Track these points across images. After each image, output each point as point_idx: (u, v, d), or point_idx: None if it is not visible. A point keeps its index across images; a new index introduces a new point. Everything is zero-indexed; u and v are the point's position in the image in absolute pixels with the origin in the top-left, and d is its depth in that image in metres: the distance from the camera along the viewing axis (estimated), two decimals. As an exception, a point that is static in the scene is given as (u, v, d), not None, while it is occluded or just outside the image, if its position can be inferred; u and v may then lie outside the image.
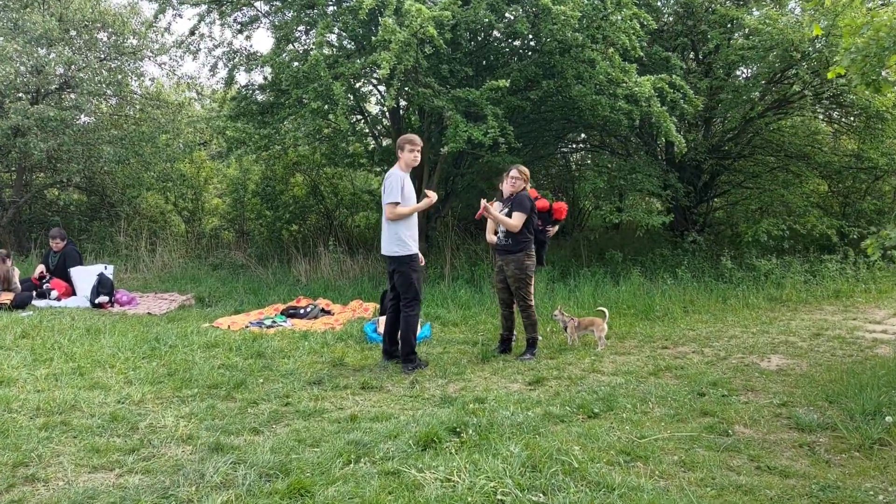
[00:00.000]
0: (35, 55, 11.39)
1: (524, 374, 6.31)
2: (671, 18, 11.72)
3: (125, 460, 4.25)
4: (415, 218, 6.50)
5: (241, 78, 10.47)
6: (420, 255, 6.68)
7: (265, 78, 11.52)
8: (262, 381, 5.95)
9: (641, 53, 9.46)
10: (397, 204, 6.33)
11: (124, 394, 5.46)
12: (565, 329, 7.41)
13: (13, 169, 13.28)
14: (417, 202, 6.53)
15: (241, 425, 4.86)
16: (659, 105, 9.24)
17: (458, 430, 4.72)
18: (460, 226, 11.53)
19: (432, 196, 6.55)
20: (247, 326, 8.01)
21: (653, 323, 8.47)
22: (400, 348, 6.47)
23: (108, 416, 4.94)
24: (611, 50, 9.46)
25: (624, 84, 9.19)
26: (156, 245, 12.32)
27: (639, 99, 9.14)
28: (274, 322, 8.16)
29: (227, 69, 10.85)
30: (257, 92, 11.32)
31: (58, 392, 5.46)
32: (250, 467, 4.10)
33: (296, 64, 9.84)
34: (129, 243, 12.49)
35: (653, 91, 9.13)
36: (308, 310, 8.63)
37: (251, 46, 27.61)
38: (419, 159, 6.54)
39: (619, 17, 9.15)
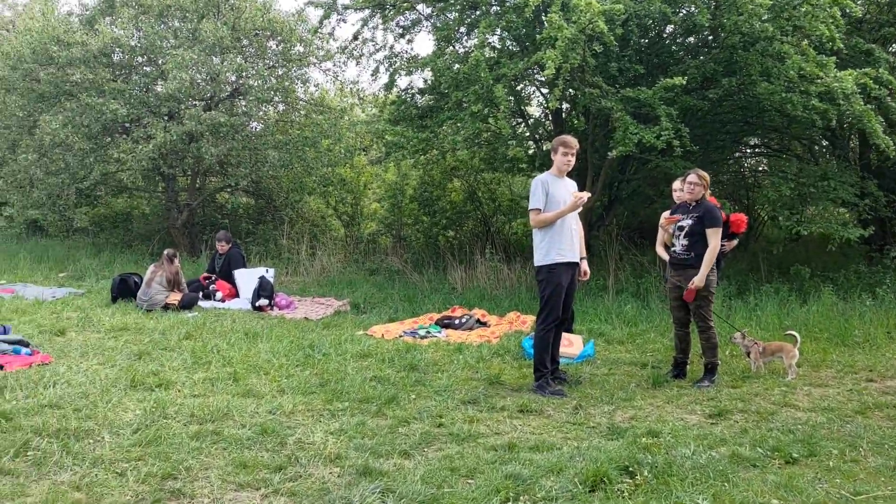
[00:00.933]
0: (209, 63, 11.85)
1: (702, 403, 5.58)
2: (873, 7, 10.40)
3: (272, 479, 4.00)
4: (563, 226, 5.89)
5: (402, 82, 10.42)
6: (583, 266, 6.12)
7: (425, 81, 11.35)
8: (414, 396, 5.61)
9: (841, 45, 8.37)
10: (538, 210, 5.81)
11: (276, 403, 5.29)
12: (747, 355, 6.57)
13: (188, 173, 13.94)
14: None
15: (390, 447, 4.52)
16: (862, 103, 8.12)
17: (630, 469, 4.13)
18: (624, 235, 10.80)
19: (579, 197, 5.84)
20: (401, 336, 7.76)
21: (851, 350, 7.39)
22: None
23: (259, 427, 4.75)
24: (804, 42, 8.43)
25: (819, 80, 8.15)
26: (316, 249, 12.47)
27: (836, 97, 8.08)
28: (428, 332, 7.85)
29: (387, 73, 10.76)
30: (417, 96, 11.16)
31: (212, 398, 5.37)
32: (399, 499, 3.73)
33: (456, 66, 9.55)
34: (291, 246, 12.73)
35: (855, 87, 8.03)
36: (463, 320, 8.27)
37: (412, 49, 28.03)
38: (572, 163, 5.95)
39: (816, 5, 8.12)
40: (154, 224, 14.78)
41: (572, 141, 5.95)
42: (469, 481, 4.04)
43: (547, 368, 5.89)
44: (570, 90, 9.17)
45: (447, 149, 9.93)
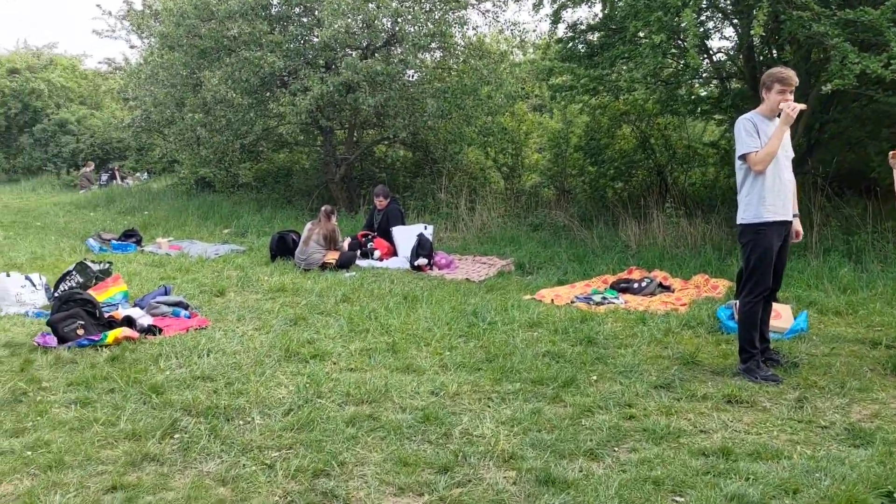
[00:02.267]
0: (365, 10, 11.35)
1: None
2: None
3: (436, 483, 3.39)
4: (777, 176, 4.75)
5: (568, 15, 9.41)
6: (796, 225, 5.03)
7: (595, 16, 10.22)
8: (595, 378, 4.82)
9: None
10: (756, 152, 4.72)
11: (438, 382, 4.68)
12: None
13: (345, 126, 13.66)
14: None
15: (574, 444, 3.78)
16: None
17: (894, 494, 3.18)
18: (829, 185, 9.29)
19: (791, 109, 4.63)
20: (572, 301, 6.95)
21: None
22: None
23: (420, 412, 4.16)
24: None
25: None
26: (475, 203, 11.82)
27: None
28: (604, 298, 6.98)
29: (552, 5, 9.73)
30: (586, 32, 10.07)
31: (369, 374, 4.85)
32: (593, 523, 2.99)
33: (634, -9, 8.39)
34: (450, 201, 12.15)
35: None
36: (643, 284, 7.33)
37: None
38: (794, 107, 4.73)
39: None
40: (313, 179, 14.69)
41: (791, 76, 4.77)
42: (677, 499, 3.24)
43: (756, 349, 4.89)
44: (780, 12, 7.78)
45: (623, 88, 8.81)
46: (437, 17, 11.89)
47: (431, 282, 8.03)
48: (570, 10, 9.72)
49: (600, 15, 9.92)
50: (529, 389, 4.59)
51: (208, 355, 5.27)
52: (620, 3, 8.23)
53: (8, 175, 23.13)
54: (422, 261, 8.74)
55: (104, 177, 21.10)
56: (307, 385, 4.61)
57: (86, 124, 23.52)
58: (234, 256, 9.52)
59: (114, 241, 10.53)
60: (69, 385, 4.70)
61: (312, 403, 4.33)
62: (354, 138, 13.84)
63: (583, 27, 10.15)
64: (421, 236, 8.97)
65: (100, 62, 21.96)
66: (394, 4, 11.54)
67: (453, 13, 12.31)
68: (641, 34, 8.23)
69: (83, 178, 21.06)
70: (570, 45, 9.87)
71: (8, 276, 7.04)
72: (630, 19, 8.09)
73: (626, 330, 5.98)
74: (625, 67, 8.67)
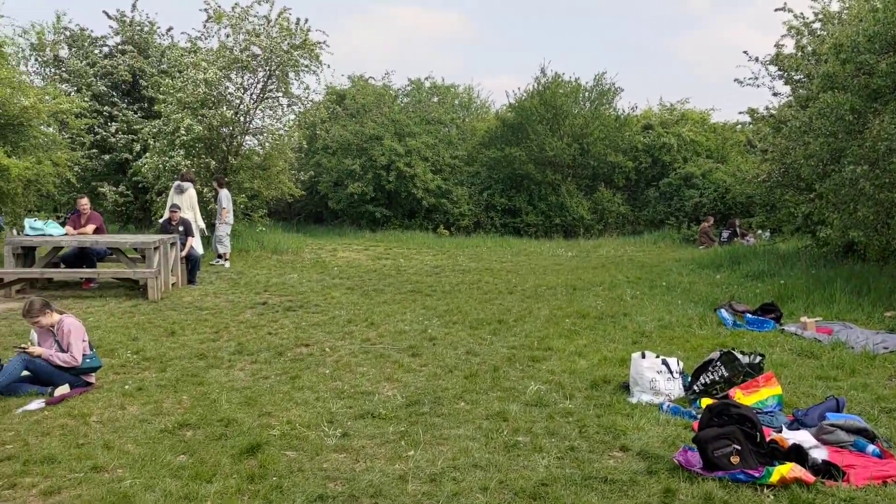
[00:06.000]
0: None
1: None
2: None
3: None
4: None
5: None
6: None
7: None
8: None
9: None
10: None
11: None
12: None
13: None
14: None
15: None
16: None
17: None
18: None
19: None
20: None
21: None
22: None
23: None
24: None
25: None
26: None
27: None
28: None
29: None
30: None
31: None
32: None
33: None
34: None
35: None
36: None
37: None
38: None
39: None
40: None
41: None
42: None
43: None
44: None
45: None
46: None
47: None
48: None
49: None
50: None
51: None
52: None
53: (633, 227, 24.03)
54: None
55: (725, 234, 20.09)
56: None
57: (710, 178, 23.01)
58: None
59: (748, 315, 9.02)
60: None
61: None
62: None
63: None
64: None
65: (741, 111, 21.06)
66: None
67: None
68: None
69: (702, 234, 20.43)
70: None
71: (643, 357, 6.05)
72: None
73: None
74: None
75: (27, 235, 11.26)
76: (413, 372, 6.78)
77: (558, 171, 23.74)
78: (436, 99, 26.76)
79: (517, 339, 8.11)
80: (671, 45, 63.48)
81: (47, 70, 19.75)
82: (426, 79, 27.34)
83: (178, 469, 4.42)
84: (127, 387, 6.18)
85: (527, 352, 7.52)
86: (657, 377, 5.91)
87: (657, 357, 6.09)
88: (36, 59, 19.81)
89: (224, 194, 14.96)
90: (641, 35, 64.40)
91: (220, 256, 14.64)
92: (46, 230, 11.39)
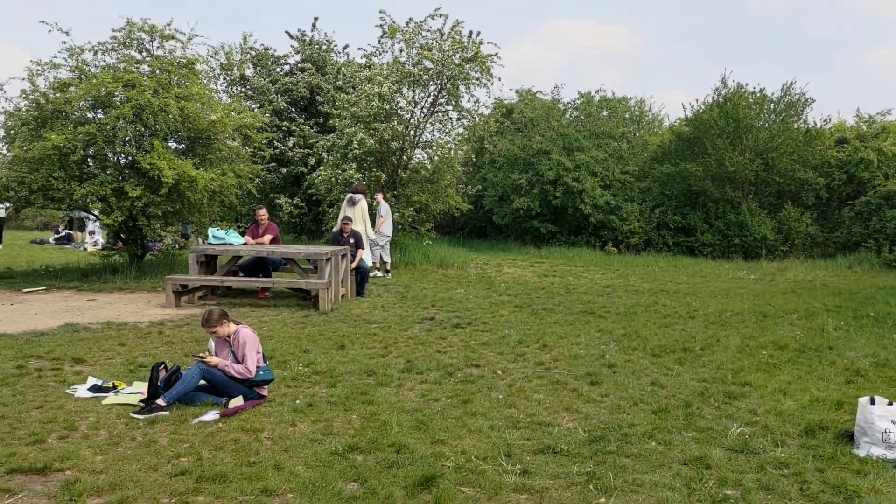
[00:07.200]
0: None
1: None
2: None
3: None
4: None
5: None
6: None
7: None
8: None
9: None
10: None
11: None
12: None
13: None
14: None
15: None
16: None
17: None
18: None
19: None
20: None
21: None
22: None
23: None
24: None
25: None
26: None
27: None
28: None
29: None
30: None
31: None
32: None
33: None
34: None
35: None
36: None
37: None
38: None
39: None
40: None
41: None
42: None
43: None
44: None
45: None
46: None
47: None
48: None
49: None
50: None
51: None
52: None
53: (822, 249, 21.92)
54: None
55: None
56: None
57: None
58: None
59: None
60: None
61: None
62: None
63: None
64: None
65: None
66: None
67: None
68: None
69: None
70: None
71: (872, 402, 5.12)
72: None
73: None
74: None
75: (209, 244, 11.71)
76: (593, 402, 6.18)
77: (738, 187, 22.15)
78: (606, 113, 25.89)
79: (707, 371, 7.29)
80: (866, 54, 58.52)
81: (234, 88, 20.89)
82: (597, 92, 26.54)
83: (349, 499, 4.10)
84: (298, 402, 6.03)
85: (720, 386, 6.70)
86: (891, 427, 4.97)
87: (890, 404, 5.14)
88: (224, 78, 21.01)
89: (385, 206, 15.04)
90: (830, 44, 59.91)
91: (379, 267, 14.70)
92: (227, 239, 11.81)
